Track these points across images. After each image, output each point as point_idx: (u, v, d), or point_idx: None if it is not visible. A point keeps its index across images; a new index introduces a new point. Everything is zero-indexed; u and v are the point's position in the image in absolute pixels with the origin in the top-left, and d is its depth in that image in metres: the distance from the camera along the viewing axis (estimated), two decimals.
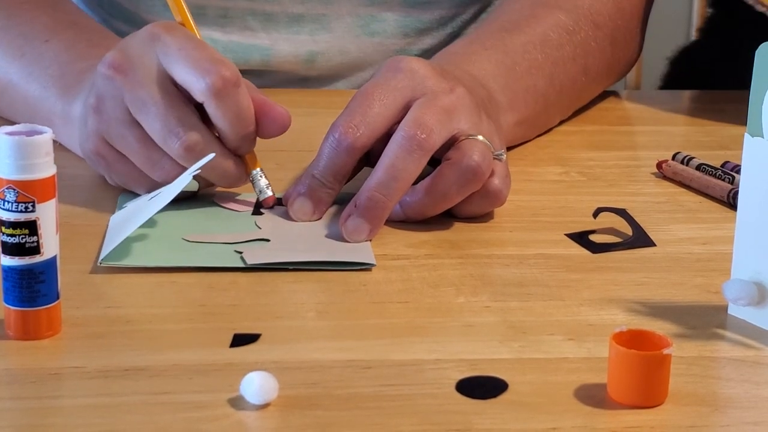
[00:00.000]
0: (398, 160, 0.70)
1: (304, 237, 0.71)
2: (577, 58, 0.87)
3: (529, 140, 0.88)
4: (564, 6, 0.87)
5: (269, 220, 0.73)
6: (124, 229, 0.68)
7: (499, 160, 0.73)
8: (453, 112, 0.72)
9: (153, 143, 0.71)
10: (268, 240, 0.70)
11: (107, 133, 0.72)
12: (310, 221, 0.72)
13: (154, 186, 0.73)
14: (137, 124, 0.71)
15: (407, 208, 0.72)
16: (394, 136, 0.71)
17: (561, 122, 0.91)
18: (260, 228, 0.72)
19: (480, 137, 0.72)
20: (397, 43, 0.98)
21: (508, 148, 0.85)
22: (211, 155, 0.71)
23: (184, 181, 0.70)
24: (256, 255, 0.68)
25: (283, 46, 0.96)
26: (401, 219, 0.73)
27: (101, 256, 0.67)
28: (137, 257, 0.68)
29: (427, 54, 0.97)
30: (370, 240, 0.71)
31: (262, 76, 0.98)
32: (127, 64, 0.71)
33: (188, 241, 0.70)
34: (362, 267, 0.68)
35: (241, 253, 0.68)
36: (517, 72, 0.83)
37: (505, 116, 0.81)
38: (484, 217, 0.75)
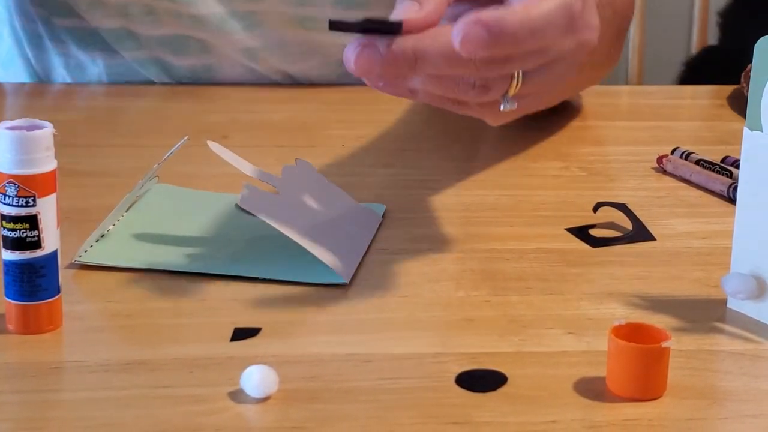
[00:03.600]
0: None
1: (309, 214, 0.69)
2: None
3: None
4: None
5: (292, 178, 0.72)
6: (101, 227, 0.68)
7: None
8: None
9: None
10: (276, 192, 0.69)
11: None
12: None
13: None
14: None
15: None
16: None
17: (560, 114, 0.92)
18: (279, 178, 0.71)
19: None
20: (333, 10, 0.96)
21: None
22: (185, 138, 0.71)
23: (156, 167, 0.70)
24: (252, 201, 0.66)
25: (218, 48, 0.95)
26: None
27: (78, 254, 0.67)
28: (116, 256, 0.67)
29: None
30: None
31: (207, 49, 0.97)
32: None
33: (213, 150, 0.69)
34: (333, 282, 0.65)
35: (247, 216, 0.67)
36: None
37: None
38: (488, 209, 0.75)
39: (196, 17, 0.94)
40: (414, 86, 0.64)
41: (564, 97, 0.88)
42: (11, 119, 0.59)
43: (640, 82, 1.15)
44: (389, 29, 0.61)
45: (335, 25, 0.62)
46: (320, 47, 0.95)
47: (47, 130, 0.58)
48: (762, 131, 0.61)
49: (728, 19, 1.43)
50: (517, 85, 0.65)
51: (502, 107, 0.65)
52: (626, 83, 1.17)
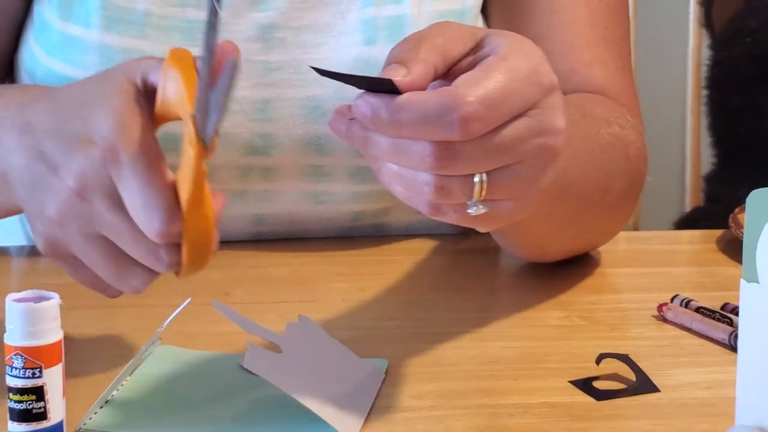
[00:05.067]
0: None
1: (312, 372, 0.69)
2: (605, 169, 0.86)
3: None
4: (612, 123, 0.87)
5: (295, 336, 0.72)
6: (105, 393, 0.68)
7: None
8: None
9: (122, 256, 0.70)
10: (279, 351, 0.69)
11: (70, 247, 0.71)
12: None
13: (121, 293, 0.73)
14: (105, 240, 0.70)
15: None
16: None
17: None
18: (282, 336, 0.71)
19: None
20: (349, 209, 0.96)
21: None
22: (188, 300, 0.71)
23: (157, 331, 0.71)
24: (256, 361, 0.66)
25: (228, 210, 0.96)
26: None
27: (82, 421, 0.66)
28: (120, 423, 0.67)
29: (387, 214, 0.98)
30: None
31: None
32: (89, 191, 0.69)
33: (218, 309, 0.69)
34: None
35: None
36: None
37: None
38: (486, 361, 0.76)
39: None
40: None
41: (554, 217, 0.83)
42: (15, 283, 0.59)
43: (636, 228, 1.16)
44: (387, 87, 0.63)
45: (327, 74, 0.65)
46: (329, 217, 0.96)
47: (54, 302, 0.59)
48: (758, 283, 0.62)
49: (712, 184, 1.50)
50: (482, 188, 0.66)
51: (469, 211, 0.66)
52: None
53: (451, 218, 0.67)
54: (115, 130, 0.69)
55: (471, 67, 0.66)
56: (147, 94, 0.71)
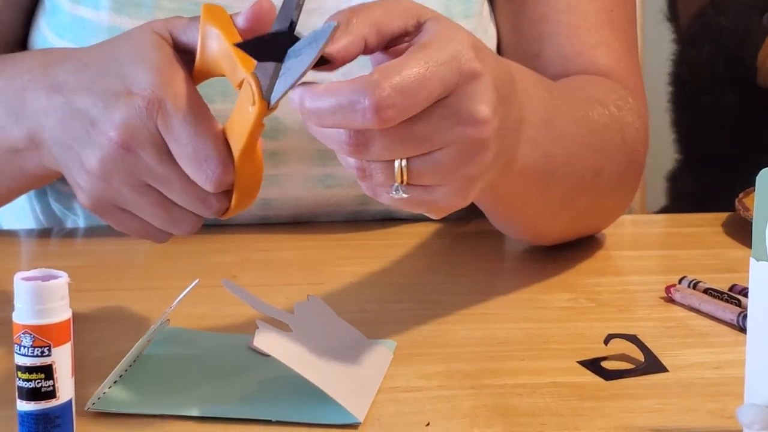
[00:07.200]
0: None
1: (321, 351, 0.69)
2: (597, 150, 0.85)
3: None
4: (609, 104, 0.87)
5: (305, 315, 0.72)
6: (114, 373, 0.68)
7: None
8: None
9: (171, 203, 0.71)
10: (290, 330, 0.69)
11: (116, 200, 0.72)
12: None
13: (170, 236, 0.74)
14: (152, 189, 0.71)
15: None
16: None
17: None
18: (291, 315, 0.71)
19: None
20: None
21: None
22: (196, 281, 0.71)
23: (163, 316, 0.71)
24: (265, 340, 0.66)
25: None
26: None
27: (92, 401, 0.66)
28: (129, 403, 0.67)
29: None
30: None
31: None
32: (134, 142, 0.70)
33: (228, 288, 0.70)
34: (346, 422, 0.65)
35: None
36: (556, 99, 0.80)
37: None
38: (490, 342, 0.76)
39: None
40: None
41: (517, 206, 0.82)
42: (24, 266, 0.60)
43: (643, 211, 1.16)
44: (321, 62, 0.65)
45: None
46: (336, 201, 0.97)
47: (62, 280, 0.59)
48: None
49: (676, 181, 1.49)
50: (402, 173, 0.66)
51: (391, 194, 0.67)
52: (629, 212, 1.18)
53: (385, 200, 0.68)
54: (157, 82, 0.70)
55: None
56: (179, 52, 0.72)
